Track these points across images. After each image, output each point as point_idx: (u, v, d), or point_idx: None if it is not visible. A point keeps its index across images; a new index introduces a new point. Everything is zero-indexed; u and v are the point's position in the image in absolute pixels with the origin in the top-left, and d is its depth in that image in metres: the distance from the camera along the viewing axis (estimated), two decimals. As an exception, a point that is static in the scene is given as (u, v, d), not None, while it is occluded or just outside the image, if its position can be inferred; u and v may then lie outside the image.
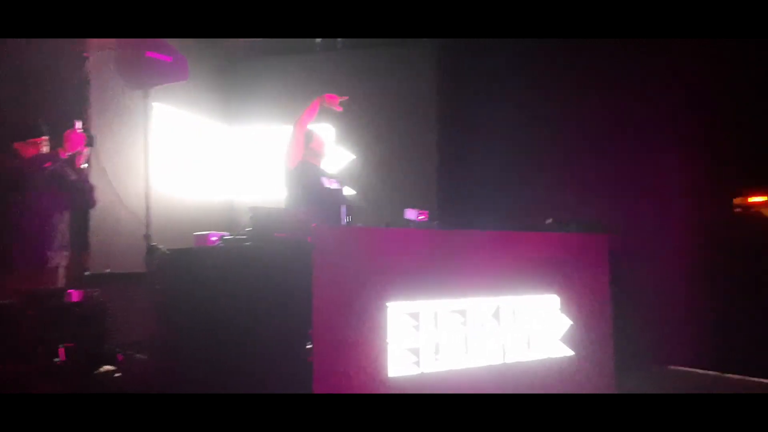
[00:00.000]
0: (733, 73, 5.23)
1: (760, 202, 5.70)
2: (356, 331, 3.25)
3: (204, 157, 6.35)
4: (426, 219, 4.21)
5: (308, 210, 3.51)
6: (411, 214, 4.19)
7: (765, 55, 4.99)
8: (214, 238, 3.70)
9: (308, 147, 4.44)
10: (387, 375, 3.33)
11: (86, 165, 4.21)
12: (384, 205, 6.00)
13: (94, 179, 4.39)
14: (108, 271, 4.59)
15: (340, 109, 4.46)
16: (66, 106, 4.33)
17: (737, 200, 5.69)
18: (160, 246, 3.42)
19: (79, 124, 3.95)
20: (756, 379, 4.86)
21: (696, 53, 5.25)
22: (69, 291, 3.53)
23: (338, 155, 6.22)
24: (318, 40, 6.24)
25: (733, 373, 5.00)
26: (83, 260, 4.54)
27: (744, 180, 5.53)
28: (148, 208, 3.60)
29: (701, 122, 5.36)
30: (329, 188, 4.38)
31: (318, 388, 3.09)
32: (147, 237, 3.50)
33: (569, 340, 4.06)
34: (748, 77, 5.19)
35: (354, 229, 3.40)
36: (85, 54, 4.43)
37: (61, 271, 4.22)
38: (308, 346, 3.13)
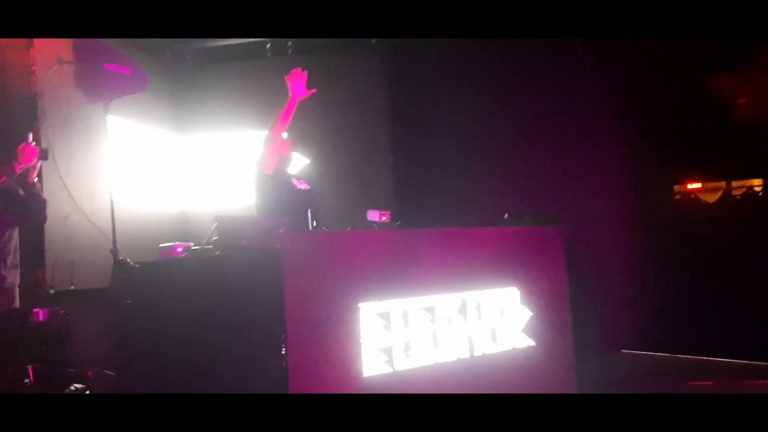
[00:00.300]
0: (671, 68, 5.48)
1: (698, 188, 6.01)
2: (329, 334, 3.31)
3: (157, 167, 6.28)
4: (389, 220, 4.30)
5: (281, 215, 3.52)
6: (374, 215, 4.27)
7: (701, 49, 5.23)
8: (179, 249, 3.70)
9: (285, 155, 4.43)
10: (362, 375, 3.40)
11: (37, 179, 4.13)
12: (343, 208, 6.09)
13: (54, 194, 4.32)
14: (72, 288, 4.52)
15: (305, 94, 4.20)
16: (19, 121, 4.24)
17: (677, 188, 5.98)
18: (128, 260, 3.40)
19: (30, 137, 3.87)
20: (703, 358, 5.13)
21: (634, 49, 5.48)
22: (35, 310, 3.47)
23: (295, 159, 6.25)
24: (268, 44, 6.24)
25: (682, 354, 5.26)
26: (47, 278, 4.45)
27: (682, 168, 5.81)
28: (113, 222, 3.57)
29: (642, 116, 5.60)
30: (301, 190, 4.39)
31: (294, 392, 3.13)
32: (114, 251, 3.47)
33: (530, 330, 4.21)
34: (685, 70, 5.44)
35: (321, 234, 3.46)
36: (33, 68, 4.35)
37: (16, 291, 4.14)
38: (282, 352, 3.18)
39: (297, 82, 4.10)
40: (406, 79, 6.42)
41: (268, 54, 6.32)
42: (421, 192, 6.15)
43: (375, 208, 4.88)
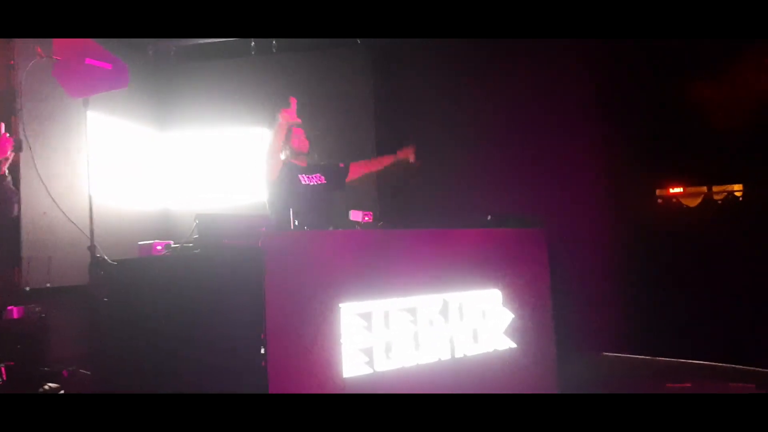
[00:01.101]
0: (654, 69, 5.51)
1: (680, 192, 6.05)
2: (310, 334, 3.29)
3: (138, 164, 6.21)
4: (371, 220, 4.29)
5: (287, 212, 3.49)
6: (356, 215, 4.25)
7: (684, 53, 5.27)
8: (159, 247, 3.66)
9: (288, 146, 4.41)
10: (342, 376, 3.38)
11: (8, 172, 4.04)
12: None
13: (32, 190, 4.25)
14: (48, 285, 4.45)
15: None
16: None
17: (659, 191, 6.02)
18: (106, 257, 3.35)
19: (2, 127, 3.79)
20: (684, 360, 5.16)
21: (618, 51, 5.51)
22: (9, 308, 3.40)
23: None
24: (252, 43, 6.20)
25: (663, 356, 5.29)
26: (23, 275, 4.37)
27: (665, 172, 5.85)
28: (91, 219, 3.51)
29: (626, 119, 5.62)
30: (308, 185, 4.38)
31: (273, 392, 3.10)
32: (92, 248, 3.41)
33: (512, 332, 4.21)
34: (667, 72, 5.48)
35: (303, 233, 3.43)
36: (11, 62, 4.29)
37: None
38: (262, 351, 3.14)
39: (289, 111, 4.28)
40: (390, 78, 6.41)
41: (252, 52, 6.28)
42: (405, 192, 6.14)
43: (358, 207, 4.87)
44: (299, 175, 4.40)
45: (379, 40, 6.20)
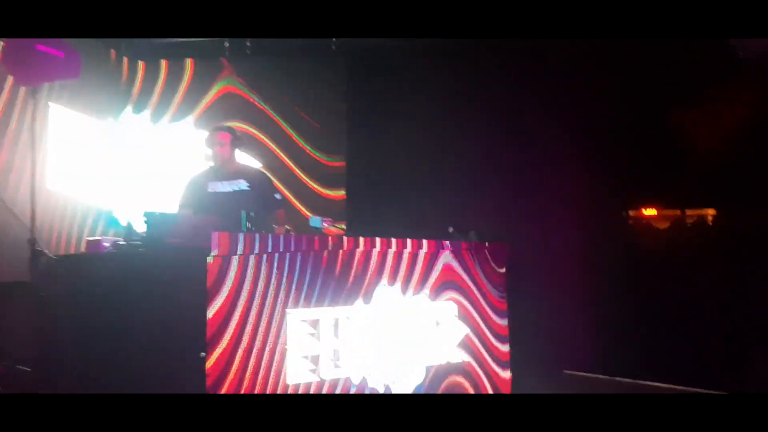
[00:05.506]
0: (626, 88, 5.50)
1: (652, 215, 6.04)
2: (253, 338, 3.20)
3: (91, 158, 5.95)
4: (331, 225, 4.22)
5: (205, 216, 3.41)
6: (315, 221, 4.19)
7: (664, 75, 5.27)
8: (106, 244, 3.57)
9: (212, 151, 4.31)
10: (285, 382, 3.30)
11: None
12: (292, 213, 5.99)
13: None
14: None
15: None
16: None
17: (631, 212, 6.00)
18: (46, 251, 3.25)
19: None
20: (646, 382, 5.11)
21: (595, 73, 5.50)
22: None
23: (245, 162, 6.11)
24: (226, 43, 6.12)
25: (624, 377, 5.24)
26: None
27: (637, 193, 5.83)
28: (33, 211, 3.41)
29: (597, 138, 5.60)
30: (217, 192, 4.22)
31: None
32: (32, 242, 3.31)
33: (466, 345, 4.15)
34: (640, 92, 5.47)
35: (250, 236, 3.34)
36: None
37: None
38: (202, 354, 3.06)
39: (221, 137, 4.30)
40: (364, 83, 6.36)
41: (225, 53, 6.20)
42: (373, 202, 6.09)
43: (328, 213, 4.81)
44: (210, 183, 4.25)
45: (354, 45, 6.17)
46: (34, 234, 3.31)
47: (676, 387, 5.00)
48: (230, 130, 4.47)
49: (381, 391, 3.68)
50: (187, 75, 6.33)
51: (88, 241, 3.53)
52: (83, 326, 3.34)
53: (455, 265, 4.19)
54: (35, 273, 3.31)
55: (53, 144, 5.24)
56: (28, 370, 3.63)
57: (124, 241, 3.49)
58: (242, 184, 4.26)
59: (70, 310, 3.37)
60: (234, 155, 4.38)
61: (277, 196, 4.48)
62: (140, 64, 6.23)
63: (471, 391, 4.14)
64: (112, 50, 5.90)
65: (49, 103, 5.04)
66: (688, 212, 5.92)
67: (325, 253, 3.56)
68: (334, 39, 6.07)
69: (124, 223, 3.27)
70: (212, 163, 4.37)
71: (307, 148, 6.41)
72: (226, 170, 4.30)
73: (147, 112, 6.31)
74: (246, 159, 5.88)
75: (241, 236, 3.24)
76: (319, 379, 3.42)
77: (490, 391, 4.25)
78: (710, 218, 5.84)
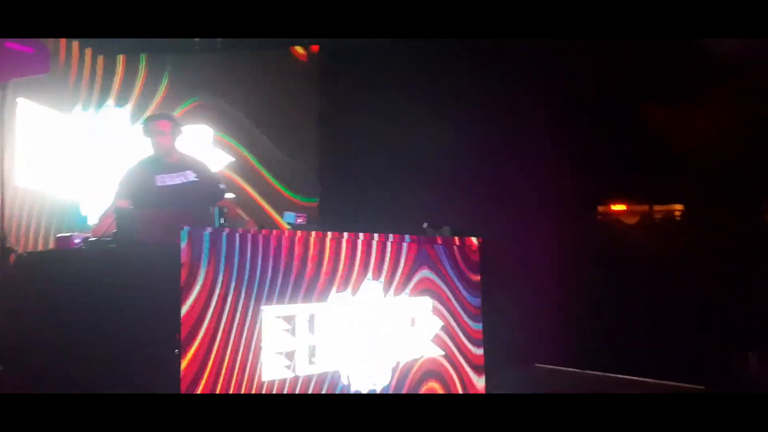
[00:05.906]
0: (597, 87, 5.57)
1: (621, 210, 6.13)
2: (228, 336, 3.19)
3: (62, 153, 5.87)
4: (305, 221, 4.22)
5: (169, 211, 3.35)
6: (290, 217, 4.18)
7: (638, 73, 5.35)
8: (77, 241, 3.52)
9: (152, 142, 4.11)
10: (260, 379, 3.29)
11: None
12: (258, 210, 5.99)
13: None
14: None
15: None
16: None
17: (600, 208, 6.09)
18: (15, 248, 3.20)
19: None
20: (615, 375, 5.20)
21: (570, 70, 5.57)
22: None
23: (215, 158, 6.07)
24: (196, 39, 6.06)
25: (594, 370, 5.33)
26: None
27: (607, 190, 5.92)
28: (2, 207, 3.35)
29: (569, 135, 5.67)
30: (166, 185, 4.04)
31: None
32: (0, 239, 3.26)
33: (440, 340, 4.18)
34: (611, 90, 5.54)
35: (224, 232, 3.33)
36: None
37: None
38: (176, 351, 3.04)
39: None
40: (336, 81, 6.35)
41: (196, 48, 6.14)
42: (347, 197, 6.08)
43: (300, 210, 4.79)
44: (157, 176, 4.03)
45: (328, 43, 6.16)
46: (3, 231, 3.24)
47: (644, 380, 5.11)
48: (169, 117, 4.25)
49: (356, 386, 3.69)
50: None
51: (59, 237, 3.47)
52: (54, 324, 3.28)
53: (429, 260, 4.21)
54: (4, 270, 3.25)
55: (22, 140, 5.15)
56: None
57: (95, 237, 3.45)
58: (190, 176, 4.10)
59: (40, 307, 3.32)
60: (175, 144, 4.15)
61: (221, 185, 4.31)
62: (120, 57, 6.15)
63: (445, 385, 4.17)
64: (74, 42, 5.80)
65: (17, 99, 4.96)
66: (657, 208, 6.04)
67: (300, 248, 3.56)
68: (305, 39, 6.07)
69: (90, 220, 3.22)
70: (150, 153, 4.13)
71: (279, 141, 6.36)
72: (170, 161, 4.11)
73: (128, 107, 6.24)
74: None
75: (215, 232, 3.22)
76: (294, 375, 3.42)
77: (464, 385, 4.28)
78: (678, 214, 5.96)
